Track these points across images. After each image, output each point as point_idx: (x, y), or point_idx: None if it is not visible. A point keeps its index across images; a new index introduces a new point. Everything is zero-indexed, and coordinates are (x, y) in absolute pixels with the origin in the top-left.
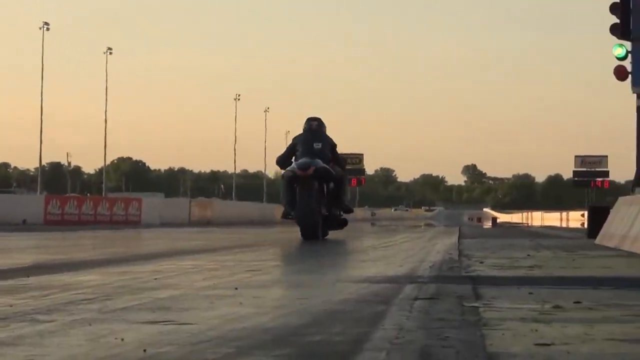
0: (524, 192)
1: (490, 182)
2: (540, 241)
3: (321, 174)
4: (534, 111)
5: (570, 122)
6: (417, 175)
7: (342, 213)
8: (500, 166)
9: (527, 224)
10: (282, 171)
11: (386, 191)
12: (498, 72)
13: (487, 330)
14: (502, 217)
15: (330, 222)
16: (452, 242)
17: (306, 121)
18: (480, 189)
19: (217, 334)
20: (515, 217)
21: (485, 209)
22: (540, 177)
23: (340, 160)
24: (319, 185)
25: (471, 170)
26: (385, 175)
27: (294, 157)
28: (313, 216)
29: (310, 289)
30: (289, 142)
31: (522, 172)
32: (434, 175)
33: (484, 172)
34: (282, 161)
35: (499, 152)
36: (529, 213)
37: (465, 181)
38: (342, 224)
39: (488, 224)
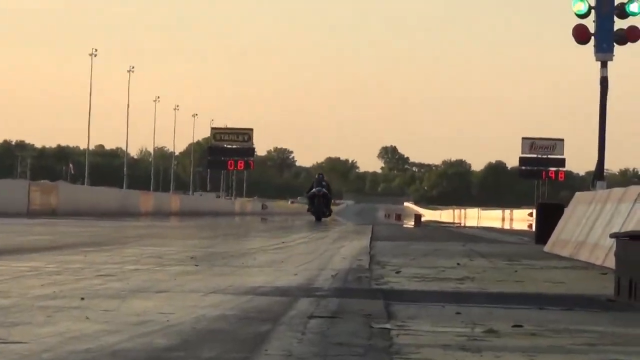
0: (456, 184)
1: (415, 169)
2: (475, 247)
3: (324, 193)
4: (471, 82)
5: (517, 96)
6: (320, 159)
7: (330, 211)
8: (427, 150)
9: (460, 223)
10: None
11: (281, 178)
12: (425, 32)
13: None
14: (428, 215)
15: (326, 213)
16: (363, 245)
17: (317, 174)
18: (402, 178)
19: (53, 356)
20: (445, 215)
21: (407, 204)
22: (477, 165)
23: (330, 189)
24: (323, 198)
25: (390, 154)
26: (281, 158)
27: (313, 187)
28: (321, 211)
29: (178, 301)
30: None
31: (454, 158)
32: (342, 159)
33: (406, 156)
34: (309, 189)
35: (425, 133)
36: (463, 210)
37: (382, 168)
38: (330, 214)
39: (410, 223)
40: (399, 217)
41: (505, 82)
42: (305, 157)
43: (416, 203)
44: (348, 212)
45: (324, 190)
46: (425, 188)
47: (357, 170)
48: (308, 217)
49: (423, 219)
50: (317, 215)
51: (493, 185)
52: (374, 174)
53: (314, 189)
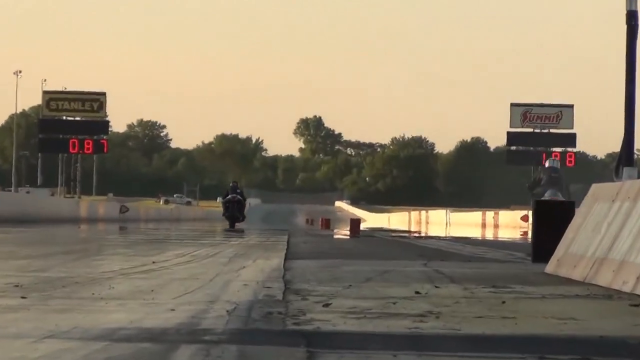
0: (414, 173)
1: (350, 152)
2: (443, 267)
3: (238, 200)
4: (431, 24)
5: (501, 44)
6: (208, 137)
7: (244, 216)
8: (369, 124)
9: (420, 232)
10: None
11: (149, 167)
12: None
13: None
14: (372, 220)
15: (240, 219)
16: (274, 266)
17: (232, 182)
18: (331, 165)
19: None
20: (397, 220)
21: (339, 204)
22: (444, 145)
23: (243, 195)
24: (237, 204)
25: (313, 130)
26: (149, 137)
27: (228, 194)
28: (235, 216)
29: None
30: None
31: (410, 134)
32: (241, 136)
33: (337, 132)
34: (225, 195)
35: (365, 100)
36: (424, 212)
37: (301, 150)
38: (243, 219)
39: (344, 232)
40: (327, 224)
41: (483, 22)
42: (185, 136)
43: (353, 202)
44: (251, 216)
45: (238, 197)
46: (367, 180)
47: (264, 154)
48: (190, 227)
49: (364, 225)
50: (232, 221)
51: (468, 176)
52: (290, 159)
53: (229, 196)
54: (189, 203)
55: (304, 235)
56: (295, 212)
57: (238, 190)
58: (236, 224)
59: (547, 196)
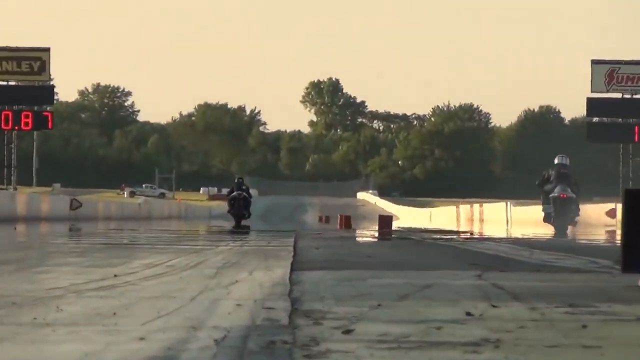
0: (464, 155)
1: (378, 126)
2: (503, 279)
3: (244, 197)
4: None
5: None
6: (187, 107)
7: (249, 213)
8: (402, 91)
9: (472, 232)
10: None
11: (110, 149)
12: None
13: None
14: (408, 216)
15: (246, 216)
16: (276, 279)
17: (237, 178)
18: (352, 142)
19: None
20: (440, 216)
21: (363, 195)
22: (503, 117)
23: (249, 192)
24: (243, 201)
25: (329, 97)
26: (108, 107)
27: (233, 190)
28: (241, 213)
29: None
30: None
31: (459, 102)
32: (231, 106)
33: (359, 101)
34: (229, 192)
35: (397, 60)
36: (477, 207)
37: (312, 123)
38: (249, 216)
39: (370, 232)
40: (347, 222)
41: None
42: (157, 106)
43: (382, 194)
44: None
45: (244, 193)
46: (401, 163)
47: (262, 130)
48: (164, 227)
49: (397, 224)
50: (238, 218)
51: (535, 157)
52: (297, 136)
53: (234, 193)
54: (162, 195)
55: (316, 237)
56: (305, 206)
57: (244, 187)
58: (242, 221)
59: (556, 192)
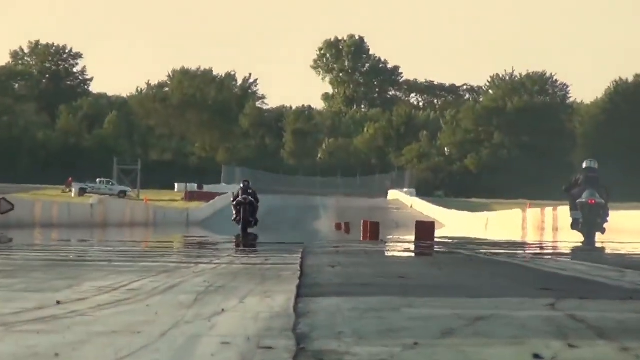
0: (534, 139)
1: (418, 100)
2: (583, 308)
3: (250, 202)
4: None
5: None
6: (159, 76)
7: (256, 220)
8: (449, 53)
9: (542, 244)
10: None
11: (54, 131)
12: None
13: None
14: (457, 223)
15: (253, 223)
16: (277, 308)
17: (242, 182)
18: (381, 122)
19: None
20: (501, 222)
21: (396, 194)
22: (585, 89)
23: (256, 196)
24: (249, 207)
25: (351, 59)
26: (50, 73)
27: (239, 195)
28: (247, 220)
29: None
30: None
31: (526, 69)
32: (217, 74)
33: (390, 65)
34: (235, 197)
35: (438, 9)
36: (548, 210)
37: (327, 95)
38: (256, 223)
39: (405, 245)
40: (373, 231)
41: None
42: (116, 72)
43: (422, 193)
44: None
45: (250, 198)
46: (447, 151)
47: (260, 105)
48: (125, 237)
49: (441, 232)
50: (244, 225)
51: (628, 141)
52: (306, 113)
53: (239, 197)
54: (123, 194)
55: (331, 251)
56: (317, 210)
57: (250, 191)
58: (249, 229)
59: (584, 198)
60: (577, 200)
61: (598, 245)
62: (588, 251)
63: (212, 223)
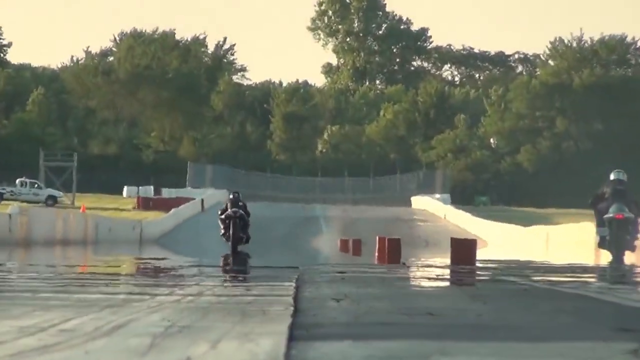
0: (608, 125)
1: (453, 74)
2: None
3: (241, 215)
4: None
5: None
6: (101, 41)
7: (248, 236)
8: (492, 13)
9: (625, 272)
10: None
11: None
12: None
13: None
14: (506, 239)
15: (244, 240)
16: (262, 356)
17: (232, 193)
18: (403, 103)
19: None
20: (565, 238)
21: (423, 200)
22: None
23: (247, 211)
24: (240, 221)
25: (362, 19)
26: None
27: (228, 208)
28: (238, 237)
29: None
30: None
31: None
32: (180, 38)
33: (415, 27)
34: (223, 210)
35: None
36: None
37: (329, 67)
38: (248, 240)
39: (436, 268)
40: (393, 251)
41: None
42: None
43: (459, 200)
44: (206, 235)
45: (240, 211)
46: (495, 143)
47: (239, 79)
48: (56, 259)
49: (484, 252)
50: (234, 243)
51: None
52: (302, 90)
53: (228, 210)
54: (52, 201)
55: (335, 279)
56: (316, 222)
57: (240, 204)
58: (239, 246)
59: (611, 212)
60: (604, 216)
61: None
62: None
63: (175, 240)
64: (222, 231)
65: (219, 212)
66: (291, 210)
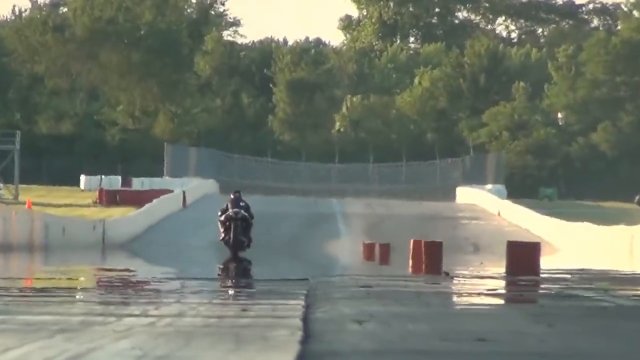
0: None
1: (508, 28)
2: None
3: (243, 217)
4: None
5: None
6: None
7: (250, 239)
8: None
9: None
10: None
11: None
12: None
13: None
14: (576, 244)
15: (245, 244)
16: None
17: (233, 193)
18: (444, 63)
19: None
20: None
21: (472, 193)
22: None
23: (250, 211)
24: (242, 223)
25: None
26: None
27: (228, 208)
28: (239, 240)
29: None
30: None
31: None
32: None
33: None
34: (223, 211)
35: None
36: None
37: (347, 23)
38: (249, 244)
39: (488, 279)
40: (431, 258)
41: None
42: None
43: (518, 193)
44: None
45: (242, 212)
46: (561, 120)
47: (231, 35)
48: None
49: (552, 261)
50: (235, 247)
51: None
52: (314, 52)
53: (229, 211)
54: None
55: (357, 294)
56: (332, 220)
57: (242, 204)
58: (240, 251)
59: None
60: None
61: None
62: None
63: (148, 244)
64: (222, 235)
65: (219, 213)
66: (300, 206)
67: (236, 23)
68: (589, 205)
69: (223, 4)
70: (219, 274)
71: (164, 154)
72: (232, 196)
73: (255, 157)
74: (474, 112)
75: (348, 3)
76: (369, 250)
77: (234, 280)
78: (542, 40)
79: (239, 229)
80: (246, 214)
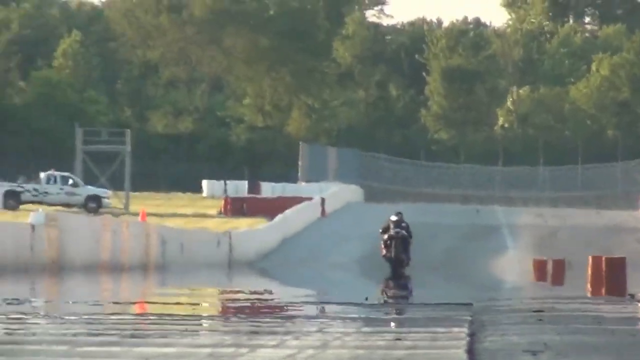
0: None
1: None
2: None
3: (403, 236)
4: None
5: None
6: None
7: (409, 258)
8: None
9: None
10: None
11: None
12: None
13: None
14: None
15: (406, 262)
16: None
17: (395, 213)
18: (628, 46)
19: None
20: None
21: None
22: None
23: (409, 230)
24: (402, 242)
25: None
26: None
27: (390, 227)
28: (399, 259)
29: None
30: None
31: None
32: None
33: None
34: (384, 229)
35: None
36: None
37: (518, 1)
38: (409, 262)
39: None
40: (613, 277)
41: None
42: None
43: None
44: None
45: (403, 232)
46: None
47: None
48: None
49: None
50: (395, 265)
51: None
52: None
53: (391, 231)
54: (94, 203)
55: (528, 319)
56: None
57: (403, 224)
58: (400, 270)
59: None
60: None
61: None
62: None
63: (282, 262)
64: (384, 251)
65: (380, 231)
66: (459, 215)
67: (382, 1)
68: None
69: None
70: (366, 298)
71: (298, 155)
72: (394, 218)
73: (405, 159)
74: None
75: None
76: (539, 267)
77: (385, 304)
78: None
79: (400, 247)
80: (406, 233)
